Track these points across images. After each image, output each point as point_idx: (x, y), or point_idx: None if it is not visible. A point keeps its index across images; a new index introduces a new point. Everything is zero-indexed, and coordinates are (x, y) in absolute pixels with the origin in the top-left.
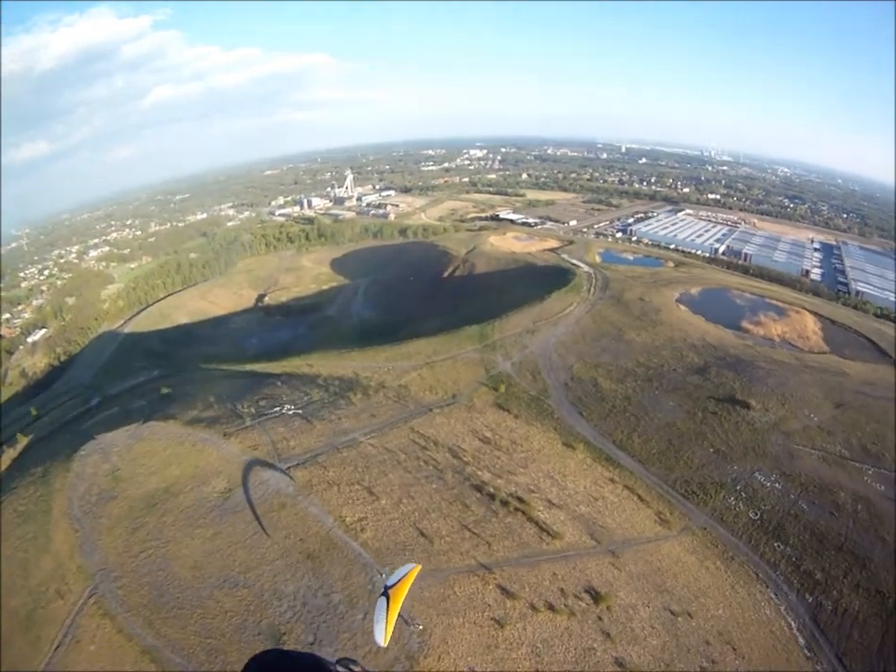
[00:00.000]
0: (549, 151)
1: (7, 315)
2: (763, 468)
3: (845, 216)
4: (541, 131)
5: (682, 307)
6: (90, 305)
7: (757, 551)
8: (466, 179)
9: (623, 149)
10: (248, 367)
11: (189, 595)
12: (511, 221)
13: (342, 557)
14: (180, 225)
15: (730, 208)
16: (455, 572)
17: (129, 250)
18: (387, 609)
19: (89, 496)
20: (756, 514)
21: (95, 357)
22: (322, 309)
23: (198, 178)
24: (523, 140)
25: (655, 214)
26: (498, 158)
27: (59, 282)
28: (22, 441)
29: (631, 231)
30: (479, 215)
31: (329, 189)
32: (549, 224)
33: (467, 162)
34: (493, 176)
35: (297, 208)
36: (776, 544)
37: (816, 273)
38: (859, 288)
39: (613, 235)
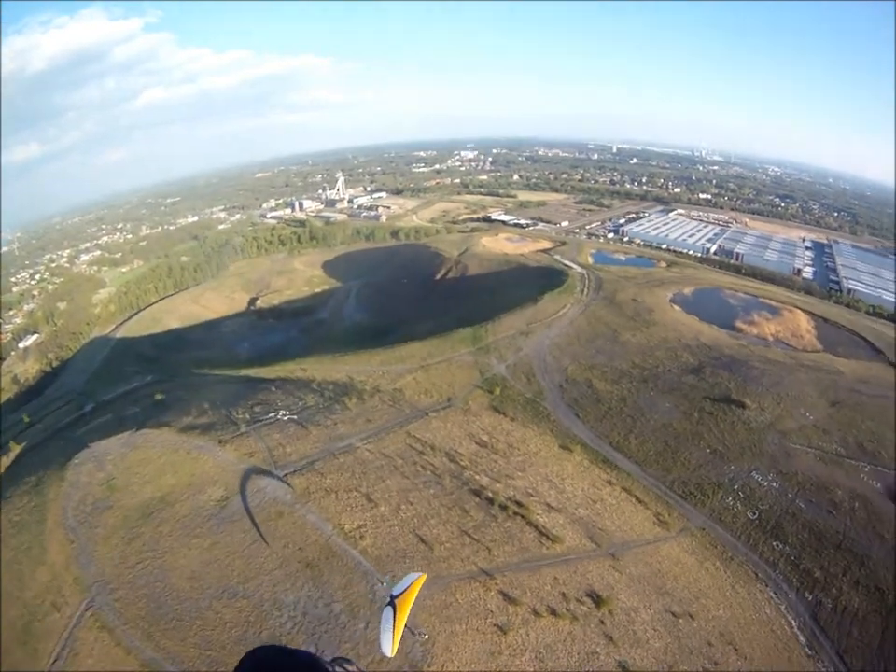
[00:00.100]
0: (540, 152)
1: None
2: (760, 467)
3: (836, 214)
4: (538, 132)
5: (676, 307)
6: (81, 310)
7: (756, 550)
8: (457, 181)
9: (615, 150)
10: (242, 372)
11: (188, 607)
12: (503, 222)
13: (341, 566)
14: (171, 228)
15: (721, 208)
16: (456, 579)
17: (120, 254)
18: (394, 619)
19: (83, 505)
20: (754, 514)
21: (87, 363)
22: (314, 312)
23: (189, 181)
24: (514, 141)
25: (647, 214)
26: (490, 159)
27: (50, 286)
28: (15, 449)
29: (623, 231)
30: (471, 216)
31: (320, 191)
32: (541, 225)
33: (458, 164)
34: (484, 178)
35: (288, 211)
36: (774, 543)
37: (808, 272)
38: (851, 286)
39: (605, 236)
